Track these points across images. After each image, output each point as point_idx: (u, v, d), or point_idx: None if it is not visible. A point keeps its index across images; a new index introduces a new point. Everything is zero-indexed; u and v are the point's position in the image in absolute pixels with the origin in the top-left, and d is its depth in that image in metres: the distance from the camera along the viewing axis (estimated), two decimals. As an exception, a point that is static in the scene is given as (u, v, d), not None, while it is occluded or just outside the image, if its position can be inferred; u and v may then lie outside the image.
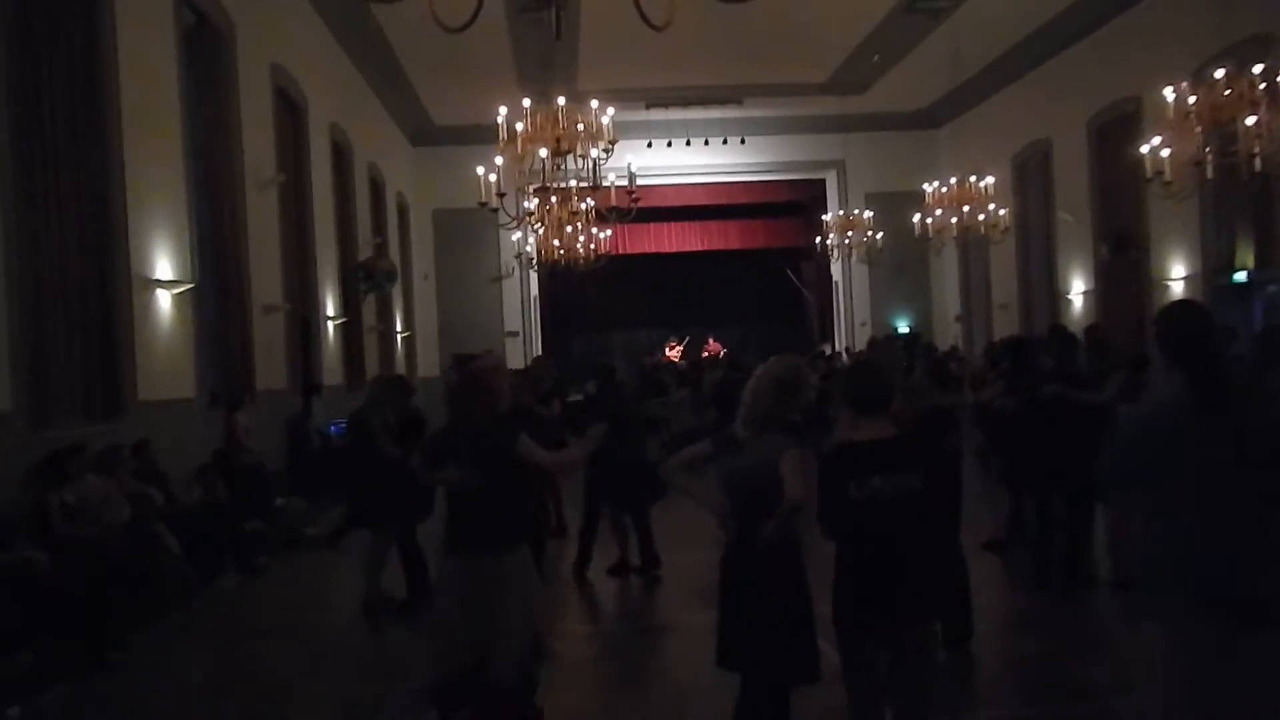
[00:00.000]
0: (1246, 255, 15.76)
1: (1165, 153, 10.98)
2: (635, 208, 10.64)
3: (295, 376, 13.90)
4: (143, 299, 9.63)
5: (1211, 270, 16.23)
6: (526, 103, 10.26)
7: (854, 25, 19.49)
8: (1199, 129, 10.05)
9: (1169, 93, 10.57)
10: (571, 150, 10.19)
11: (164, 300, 10.00)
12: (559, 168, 10.41)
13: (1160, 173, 10.79)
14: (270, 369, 12.89)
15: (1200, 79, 10.46)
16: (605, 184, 10.44)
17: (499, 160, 10.53)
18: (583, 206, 16.77)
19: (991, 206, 17.20)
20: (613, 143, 10.23)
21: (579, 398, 10.98)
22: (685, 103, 23.67)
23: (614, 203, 10.87)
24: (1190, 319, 3.57)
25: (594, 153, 10.08)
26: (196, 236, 10.80)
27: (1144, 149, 11.21)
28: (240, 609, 8.44)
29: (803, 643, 4.07)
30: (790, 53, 20.64)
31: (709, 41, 18.84)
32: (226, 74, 12.27)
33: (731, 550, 4.15)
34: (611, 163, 10.68)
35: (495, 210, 10.73)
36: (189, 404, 10.47)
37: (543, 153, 10.00)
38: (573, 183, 10.75)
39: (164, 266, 10.04)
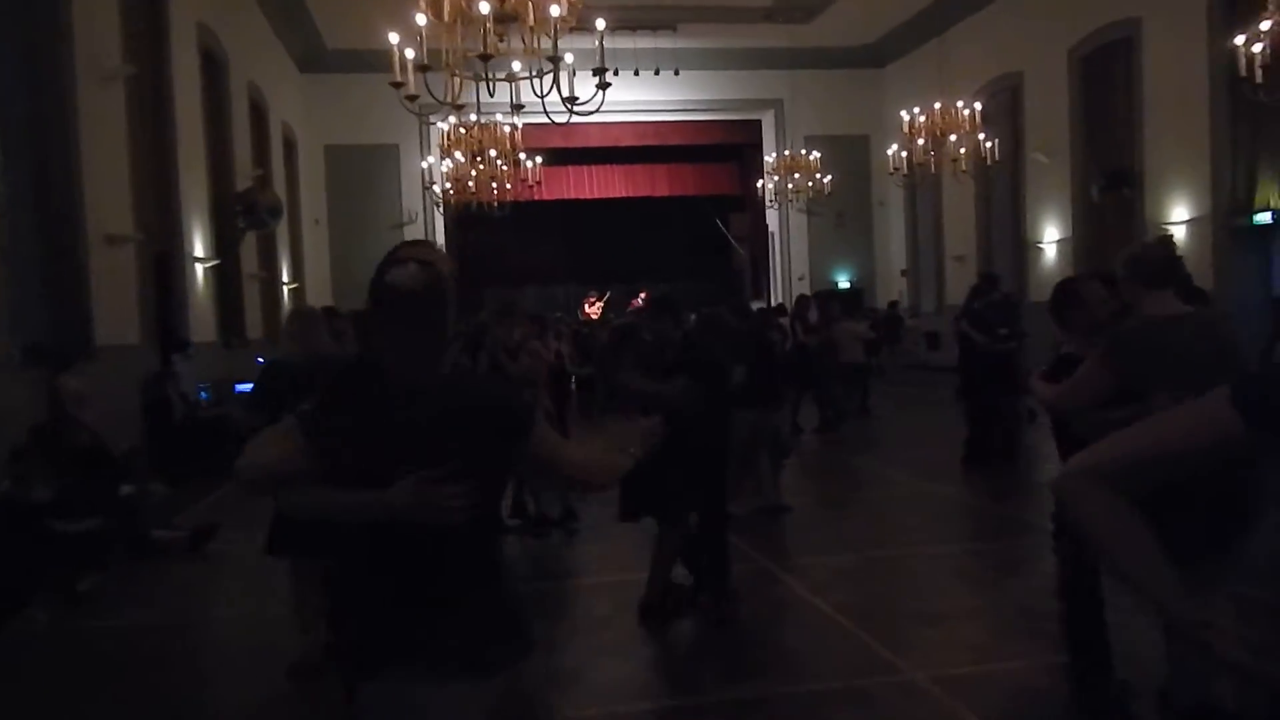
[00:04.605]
0: (1269, 193, 13.92)
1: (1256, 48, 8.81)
2: (606, 87, 7.99)
3: (151, 328, 10.97)
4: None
5: (1225, 211, 14.40)
6: (462, -58, 7.51)
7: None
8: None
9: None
10: (520, 14, 7.52)
11: (-55, 214, 7.10)
12: (503, 39, 7.71)
13: (1265, 68, 8.63)
14: (117, 318, 9.98)
15: None
16: (565, 63, 7.76)
17: (421, 20, 7.74)
18: (511, 125, 14.15)
19: (981, 136, 15.03)
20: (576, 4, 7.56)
21: None
22: (614, 25, 21.07)
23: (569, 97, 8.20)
24: None
25: (554, 10, 7.36)
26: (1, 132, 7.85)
27: (1238, 40, 9.03)
28: (49, 667, 5.50)
29: None
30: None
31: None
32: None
33: None
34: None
35: (414, 97, 8.00)
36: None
37: (484, 7, 7.24)
38: (516, 65, 8.03)
39: (-54, 167, 7.13)
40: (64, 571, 6.43)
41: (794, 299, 17.69)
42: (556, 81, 7.85)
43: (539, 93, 8.07)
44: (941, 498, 9.04)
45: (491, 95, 8.02)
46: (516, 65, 8.39)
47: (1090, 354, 3.60)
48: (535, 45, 7.68)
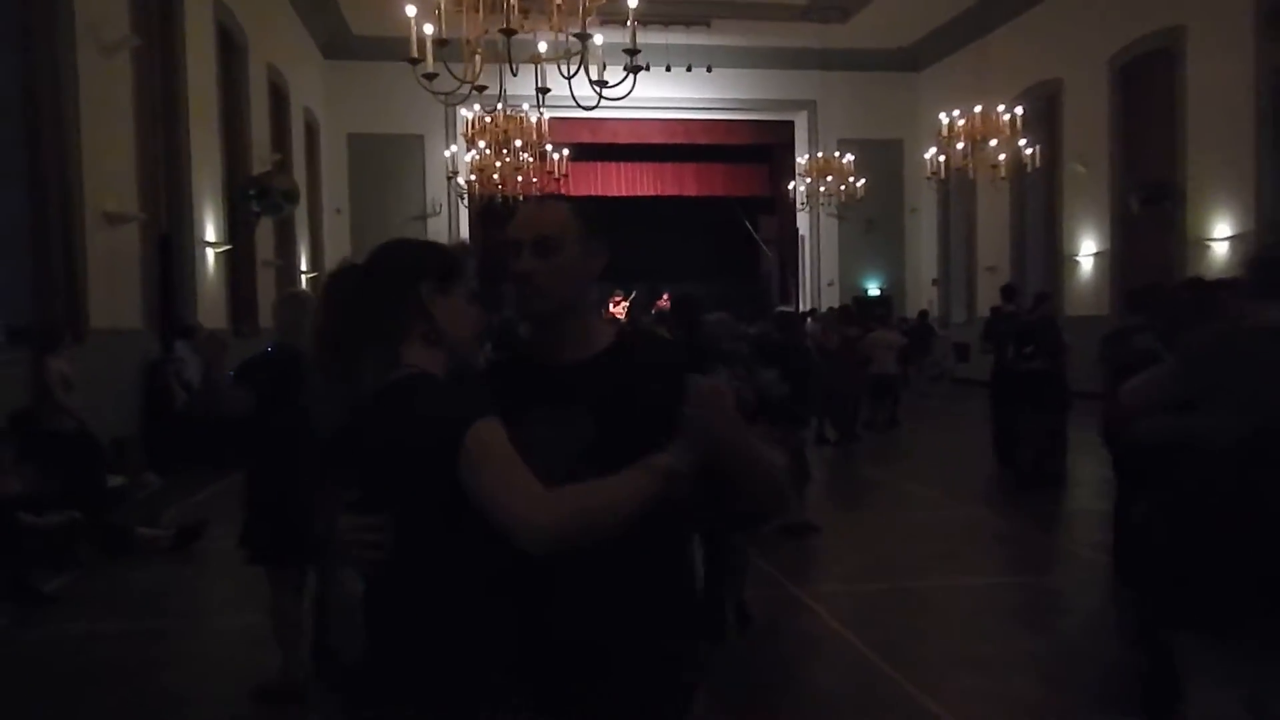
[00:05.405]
0: (1317, 210, 13.27)
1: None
2: (638, 71, 7.44)
3: (154, 312, 10.51)
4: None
5: (1268, 227, 13.74)
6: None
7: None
8: None
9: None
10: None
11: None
12: (527, 16, 7.18)
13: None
14: (115, 300, 9.54)
15: None
16: (594, 43, 7.23)
17: (440, -9, 7.24)
18: (538, 114, 13.70)
19: (1022, 143, 14.43)
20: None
21: None
22: (645, 21, 20.53)
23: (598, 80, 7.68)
24: None
25: (586, -14, 6.84)
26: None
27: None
28: (3, 677, 5.04)
29: None
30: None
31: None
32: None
33: None
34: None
35: (432, 76, 7.48)
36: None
37: (510, -17, 6.75)
38: (543, 47, 7.52)
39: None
40: (28, 571, 5.95)
41: (832, 308, 17.19)
42: (585, 63, 7.32)
43: (566, 73, 7.53)
44: (978, 521, 8.48)
45: (515, 74, 7.48)
46: (543, 46, 7.87)
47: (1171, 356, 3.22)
48: (562, 26, 7.15)
